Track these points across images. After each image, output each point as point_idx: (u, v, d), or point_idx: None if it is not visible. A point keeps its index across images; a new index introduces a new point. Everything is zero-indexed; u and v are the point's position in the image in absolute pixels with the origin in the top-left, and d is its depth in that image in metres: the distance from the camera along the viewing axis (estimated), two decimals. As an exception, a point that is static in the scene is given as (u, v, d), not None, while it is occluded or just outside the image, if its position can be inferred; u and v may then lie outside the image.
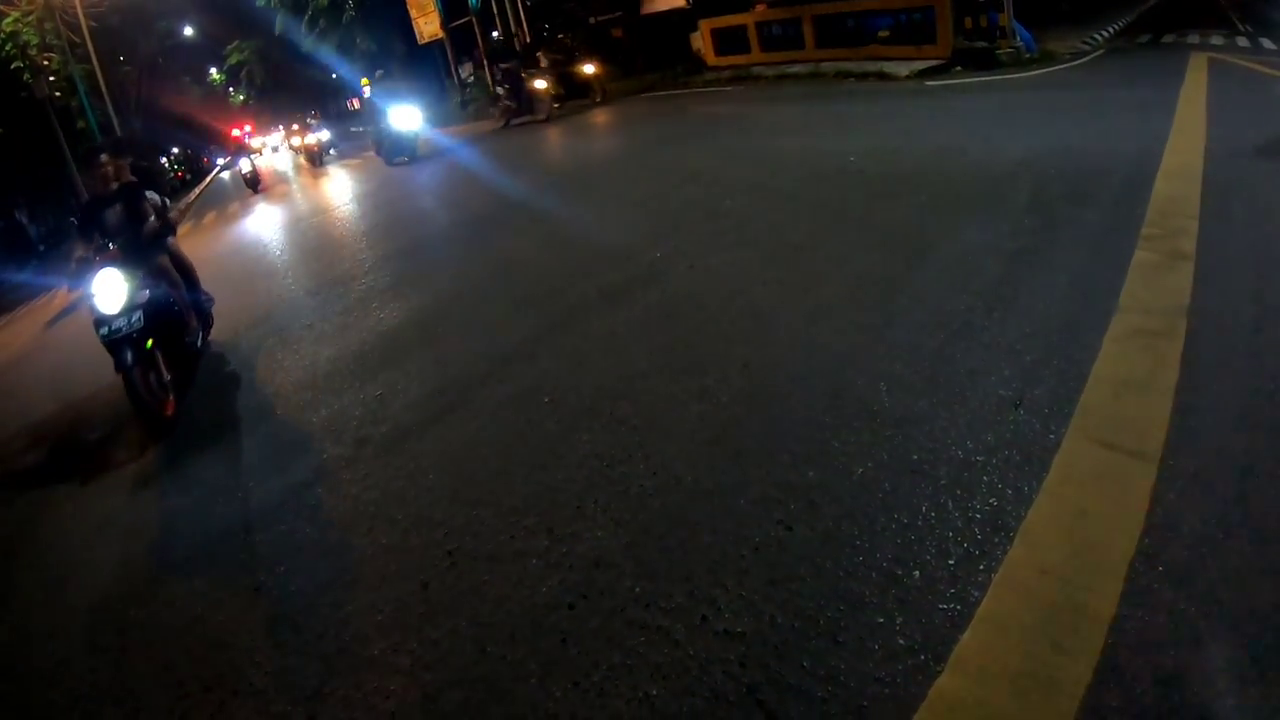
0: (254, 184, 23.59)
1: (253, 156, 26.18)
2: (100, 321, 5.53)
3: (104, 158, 6.58)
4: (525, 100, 20.39)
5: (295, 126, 33.17)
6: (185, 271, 7.01)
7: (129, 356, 5.45)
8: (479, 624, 2.87)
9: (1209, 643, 2.29)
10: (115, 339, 5.47)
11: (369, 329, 6.50)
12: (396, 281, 7.94)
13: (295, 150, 33.01)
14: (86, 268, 5.87)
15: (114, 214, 6.40)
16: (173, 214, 8.11)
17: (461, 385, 4.89)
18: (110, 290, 5.60)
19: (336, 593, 3.24)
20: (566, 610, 2.82)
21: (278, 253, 11.58)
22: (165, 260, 6.57)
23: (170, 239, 6.95)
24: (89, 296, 5.64)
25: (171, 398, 5.86)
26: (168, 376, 5.92)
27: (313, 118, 32.46)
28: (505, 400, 4.55)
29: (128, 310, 5.58)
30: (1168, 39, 17.51)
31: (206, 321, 7.38)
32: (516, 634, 2.77)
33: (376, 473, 4.09)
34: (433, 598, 3.06)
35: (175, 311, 6.30)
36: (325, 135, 29.62)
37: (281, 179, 26.36)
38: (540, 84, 20.08)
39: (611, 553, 3.06)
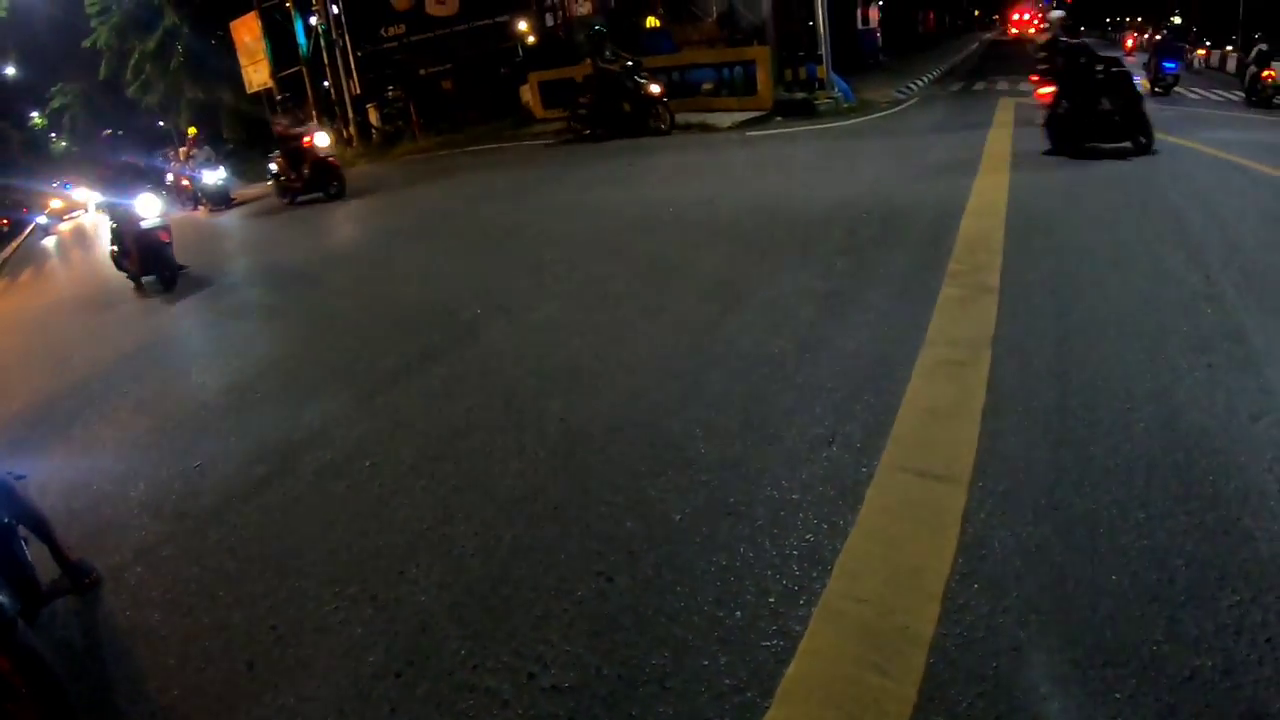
0: (161, 268, 10.23)
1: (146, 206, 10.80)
2: None
3: None
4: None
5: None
6: None
7: None
8: (306, 699, 2.74)
9: (1028, 652, 2.42)
10: None
11: (184, 396, 6.17)
12: (209, 346, 7.61)
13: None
14: None
15: None
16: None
17: (280, 453, 4.70)
18: None
19: (159, 678, 3.04)
20: (394, 679, 2.73)
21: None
22: None
23: None
24: None
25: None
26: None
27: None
28: (325, 467, 4.40)
29: None
30: (979, 86, 18.74)
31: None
32: (345, 707, 2.67)
33: (196, 548, 3.87)
34: (259, 675, 2.91)
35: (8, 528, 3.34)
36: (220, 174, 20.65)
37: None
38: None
39: (436, 616, 2.99)
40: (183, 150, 21.89)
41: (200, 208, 20.22)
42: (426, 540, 3.50)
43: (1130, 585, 2.63)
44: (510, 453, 4.13)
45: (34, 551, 3.52)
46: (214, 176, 19.45)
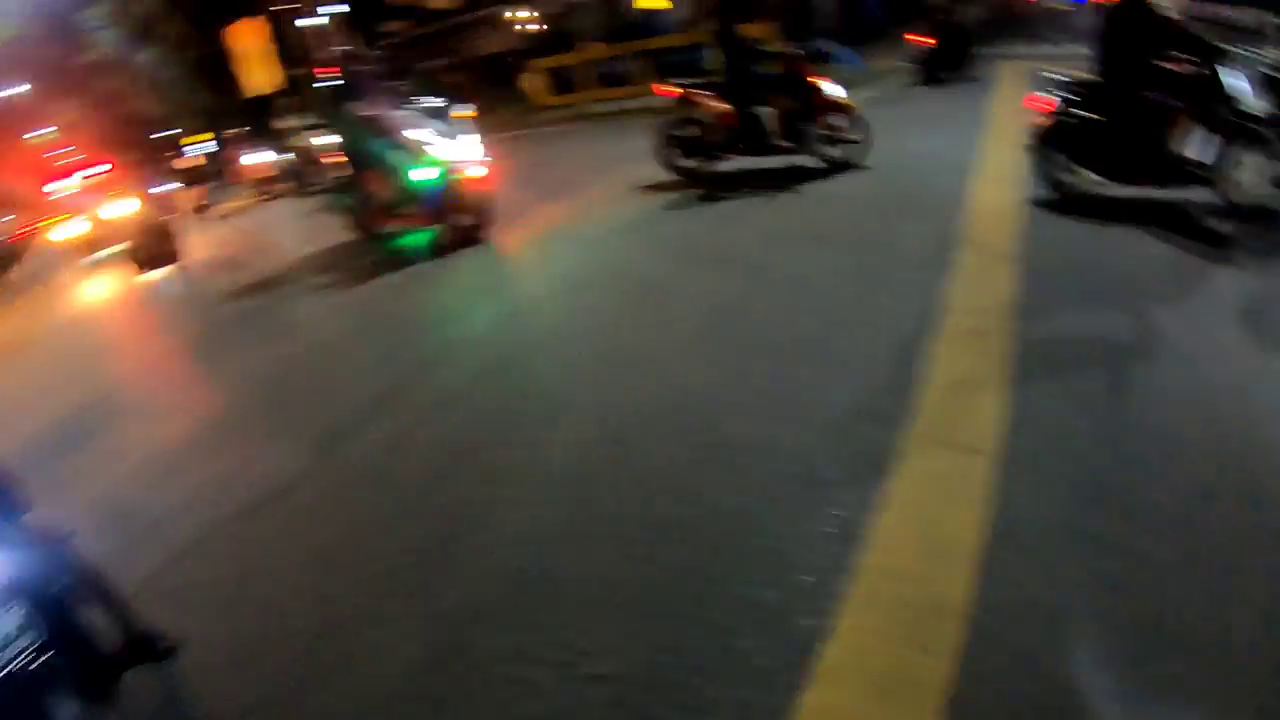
0: None
1: None
2: None
3: None
4: None
5: None
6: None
7: None
8: (347, 697, 2.74)
9: (1064, 622, 2.40)
10: None
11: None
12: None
13: None
14: None
15: None
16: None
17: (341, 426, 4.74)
18: None
19: (201, 679, 3.06)
20: (435, 671, 2.74)
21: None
22: None
23: None
24: None
25: None
26: None
27: None
28: (367, 452, 4.42)
29: None
30: (983, 52, 18.43)
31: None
32: (391, 699, 2.68)
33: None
34: (297, 673, 2.91)
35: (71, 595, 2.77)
36: None
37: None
38: None
39: (479, 605, 3.00)
40: None
41: None
42: (470, 524, 3.52)
43: (1166, 553, 2.61)
44: (554, 445, 4.09)
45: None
46: None
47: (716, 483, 3.41)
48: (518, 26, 25.37)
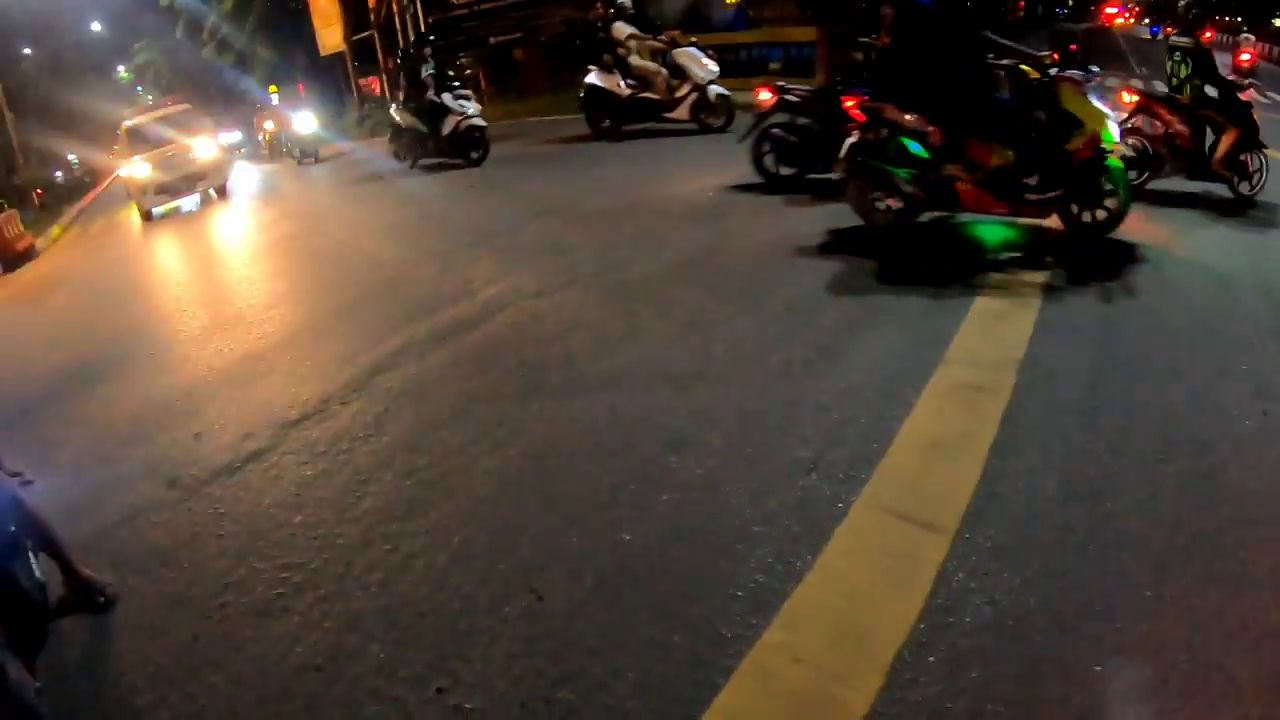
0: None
1: None
2: None
3: None
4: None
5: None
6: None
7: None
8: (235, 681, 2.73)
9: None
10: None
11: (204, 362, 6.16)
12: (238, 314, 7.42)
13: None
14: None
15: None
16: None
17: (272, 429, 4.62)
18: None
19: (117, 640, 3.11)
20: (314, 672, 2.69)
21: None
22: None
23: None
24: None
25: None
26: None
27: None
28: (305, 447, 4.32)
29: None
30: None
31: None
32: (265, 695, 2.64)
33: (176, 519, 3.84)
34: (200, 651, 2.90)
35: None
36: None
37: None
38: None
39: (367, 616, 2.91)
40: None
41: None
42: (380, 535, 3.41)
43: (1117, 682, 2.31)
44: (484, 450, 3.98)
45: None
46: (307, 125, 20.18)
47: (638, 518, 3.21)
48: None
